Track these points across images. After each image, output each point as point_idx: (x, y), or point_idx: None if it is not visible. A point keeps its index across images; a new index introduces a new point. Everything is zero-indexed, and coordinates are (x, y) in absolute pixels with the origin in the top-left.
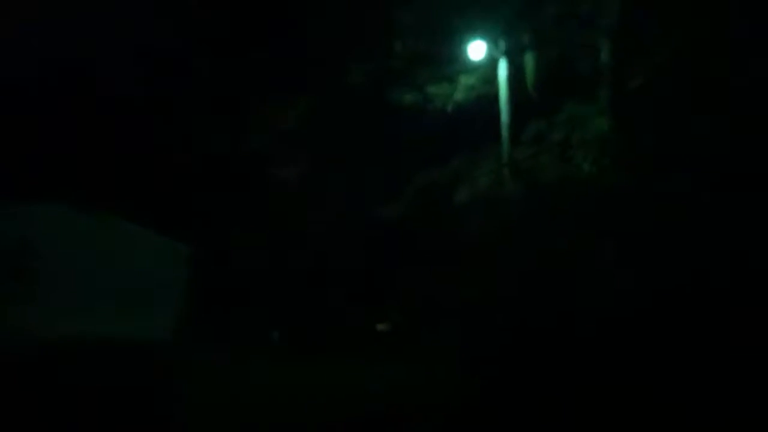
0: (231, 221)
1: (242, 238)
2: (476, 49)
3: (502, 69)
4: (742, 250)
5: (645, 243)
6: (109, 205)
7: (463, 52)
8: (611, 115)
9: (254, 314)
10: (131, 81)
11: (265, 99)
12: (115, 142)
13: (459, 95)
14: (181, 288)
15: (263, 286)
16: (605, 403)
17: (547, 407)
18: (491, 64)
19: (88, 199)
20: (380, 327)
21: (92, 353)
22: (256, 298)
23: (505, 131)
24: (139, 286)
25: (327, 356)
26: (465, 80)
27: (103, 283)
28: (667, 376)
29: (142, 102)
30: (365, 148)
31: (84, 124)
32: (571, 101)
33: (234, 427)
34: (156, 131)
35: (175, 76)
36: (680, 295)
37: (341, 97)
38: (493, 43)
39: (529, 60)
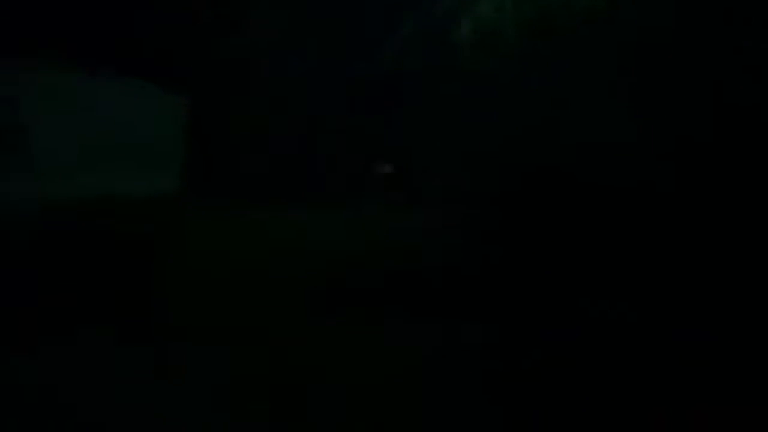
0: (214, 76)
1: (227, 93)
2: None
3: None
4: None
5: (661, 84)
6: (97, 59)
7: None
8: None
9: (250, 164)
10: None
11: None
12: None
13: None
14: (179, 140)
15: (257, 138)
16: (609, 252)
17: (548, 250)
18: None
19: (76, 54)
20: (383, 169)
21: (94, 212)
22: (252, 149)
23: None
24: (137, 141)
25: (329, 203)
26: None
27: (99, 140)
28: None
29: None
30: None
31: None
32: None
33: (237, 273)
34: None
35: None
36: (696, 146)
37: None
38: None
39: None
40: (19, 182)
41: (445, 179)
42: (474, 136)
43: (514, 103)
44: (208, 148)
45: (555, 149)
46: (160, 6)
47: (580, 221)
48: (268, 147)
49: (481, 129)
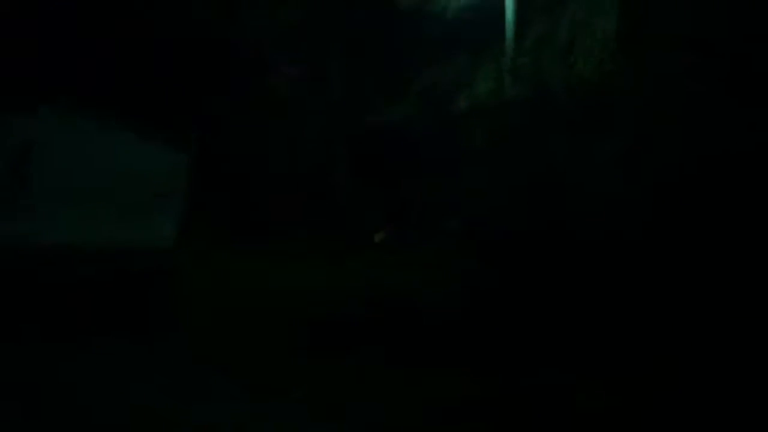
0: (228, 124)
1: (239, 142)
2: None
3: None
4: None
5: (647, 148)
6: (106, 107)
7: None
8: (618, 16)
9: (252, 218)
10: None
11: None
12: (110, 41)
13: None
14: (181, 195)
15: (260, 189)
16: (598, 311)
17: (541, 310)
18: None
19: (86, 102)
20: (377, 237)
21: (90, 260)
22: (253, 202)
23: (509, 32)
24: (139, 194)
25: (323, 260)
26: None
27: (102, 189)
28: (662, 283)
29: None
30: (365, 50)
31: (80, 22)
32: (576, 2)
33: (229, 319)
34: (152, 29)
35: None
36: (678, 201)
37: None
38: None
39: None
40: (21, 222)
41: (437, 238)
42: (466, 201)
43: (505, 172)
44: (208, 202)
45: (542, 215)
46: (174, 63)
47: (566, 283)
48: (266, 202)
49: (473, 194)
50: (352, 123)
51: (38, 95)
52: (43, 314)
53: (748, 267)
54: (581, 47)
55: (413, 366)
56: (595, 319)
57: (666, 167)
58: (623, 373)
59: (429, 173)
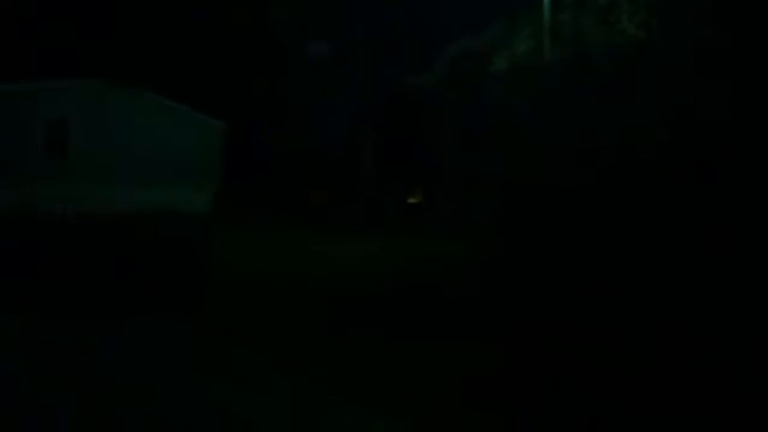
0: (261, 96)
1: (272, 113)
2: None
3: None
4: None
5: (690, 106)
6: (143, 80)
7: None
8: None
9: (288, 184)
10: None
11: None
12: (146, 17)
13: None
14: (217, 161)
15: (292, 159)
16: (631, 269)
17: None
18: None
19: (123, 74)
20: (411, 200)
21: (131, 224)
22: (288, 169)
23: None
24: (177, 160)
25: (353, 229)
26: None
27: (140, 157)
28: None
29: None
30: (395, 18)
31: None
32: None
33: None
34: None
35: None
36: (720, 165)
37: None
38: None
39: None
40: (62, 191)
41: (470, 208)
42: (502, 164)
43: (545, 133)
44: (242, 170)
45: (580, 179)
46: (206, 44)
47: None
48: (298, 170)
49: (511, 157)
50: (380, 96)
51: (77, 71)
52: (83, 280)
53: None
54: (624, 6)
55: (437, 336)
56: (639, 290)
57: (711, 131)
58: (661, 347)
59: (461, 140)
